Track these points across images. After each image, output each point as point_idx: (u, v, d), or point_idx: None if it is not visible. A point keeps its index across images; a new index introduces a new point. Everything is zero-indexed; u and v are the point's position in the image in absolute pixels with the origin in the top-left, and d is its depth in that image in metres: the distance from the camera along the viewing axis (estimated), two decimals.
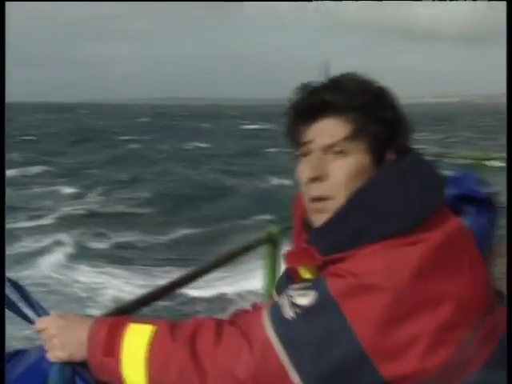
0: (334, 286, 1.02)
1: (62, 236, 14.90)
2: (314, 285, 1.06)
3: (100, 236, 15.30)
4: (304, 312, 1.02)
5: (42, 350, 1.16)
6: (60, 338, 1.13)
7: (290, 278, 1.26)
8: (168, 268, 11.88)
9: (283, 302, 1.06)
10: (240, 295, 9.95)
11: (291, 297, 1.06)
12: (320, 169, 1.14)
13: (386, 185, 1.11)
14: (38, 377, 1.13)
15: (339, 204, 1.12)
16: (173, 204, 19.65)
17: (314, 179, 1.14)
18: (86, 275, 11.87)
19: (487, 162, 6.53)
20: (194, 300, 9.61)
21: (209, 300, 9.78)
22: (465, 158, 6.70)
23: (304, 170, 1.16)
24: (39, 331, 1.16)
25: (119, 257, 13.26)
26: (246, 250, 2.67)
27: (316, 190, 1.14)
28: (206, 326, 1.08)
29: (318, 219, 1.15)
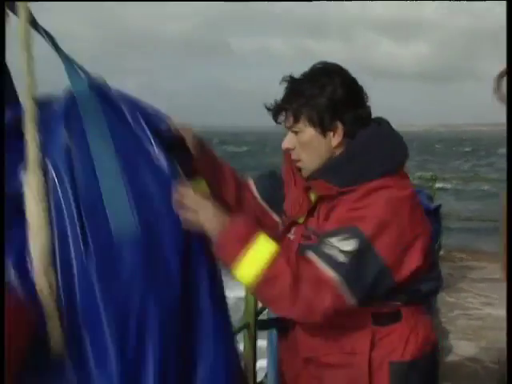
0: (365, 230, 1.29)
1: None
2: (350, 232, 1.30)
3: None
4: (352, 255, 1.29)
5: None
6: (203, 209, 1.20)
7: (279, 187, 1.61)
8: None
9: (331, 251, 1.29)
10: None
11: (337, 246, 1.30)
12: (291, 142, 1.44)
13: (376, 139, 1.41)
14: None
15: (306, 163, 1.44)
16: None
17: (288, 149, 1.46)
18: None
19: (434, 184, 6.75)
20: None
21: None
22: (418, 177, 6.86)
23: (284, 142, 1.46)
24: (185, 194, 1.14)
25: None
26: None
27: (292, 155, 1.46)
28: (308, 265, 1.30)
29: (302, 172, 1.47)
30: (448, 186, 17.95)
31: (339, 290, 1.27)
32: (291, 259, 1.30)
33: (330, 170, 1.40)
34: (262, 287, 1.29)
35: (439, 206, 4.28)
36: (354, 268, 1.28)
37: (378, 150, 1.39)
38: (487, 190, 21.37)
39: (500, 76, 1.10)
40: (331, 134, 1.39)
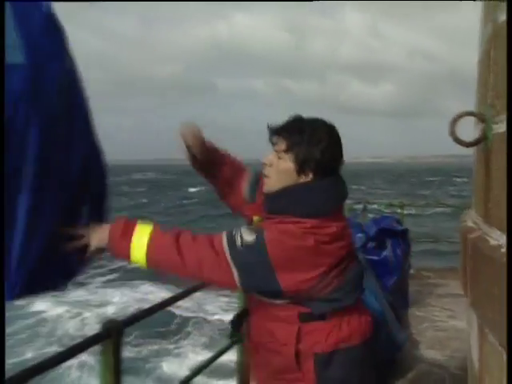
0: (267, 235, 1.46)
1: None
2: (258, 230, 1.49)
3: None
4: (247, 245, 1.47)
5: None
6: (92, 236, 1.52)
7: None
8: None
9: (236, 235, 1.48)
10: None
11: (242, 233, 1.48)
12: (270, 161, 1.58)
13: (308, 189, 1.52)
14: None
15: (271, 182, 1.57)
16: None
17: (265, 164, 1.59)
18: None
19: (400, 210, 6.87)
20: None
21: None
22: (388, 204, 6.97)
23: (265, 158, 1.59)
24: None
25: None
26: (80, 349, 1.60)
27: (265, 170, 1.60)
28: (186, 232, 1.53)
29: (265, 187, 1.60)
30: (414, 211, 18.39)
31: (228, 262, 1.46)
32: (171, 231, 1.52)
33: (268, 199, 1.58)
34: (153, 260, 1.50)
35: (406, 230, 4.37)
36: (244, 252, 1.45)
37: (303, 197, 1.51)
38: (446, 214, 21.78)
39: (453, 121, 1.20)
40: (303, 176, 1.54)
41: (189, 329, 9.27)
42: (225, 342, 2.68)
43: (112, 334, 1.68)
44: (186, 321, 9.60)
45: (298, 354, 1.54)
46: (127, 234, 1.50)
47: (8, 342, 8.85)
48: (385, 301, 3.16)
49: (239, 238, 1.47)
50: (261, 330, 1.63)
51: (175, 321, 9.50)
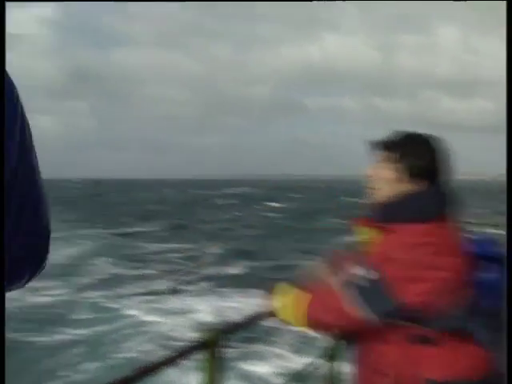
0: (374, 259, 1.47)
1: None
2: (363, 259, 1.50)
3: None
4: (359, 278, 1.46)
5: None
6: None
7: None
8: None
9: (346, 274, 1.50)
10: None
11: (351, 269, 1.50)
12: (373, 172, 1.62)
13: (415, 197, 1.53)
14: None
15: (381, 192, 1.58)
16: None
17: (370, 177, 1.63)
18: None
19: (495, 229, 6.38)
20: None
21: None
22: (484, 224, 6.51)
23: (369, 170, 1.63)
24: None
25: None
26: (178, 357, 1.72)
27: (371, 183, 1.62)
28: (312, 290, 1.62)
29: (371, 198, 1.62)
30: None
31: (349, 303, 1.46)
32: (317, 292, 1.59)
33: (380, 209, 1.58)
34: (304, 322, 1.59)
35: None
36: (359, 285, 1.45)
37: (410, 204, 1.52)
38: None
39: None
40: (407, 184, 1.55)
41: (273, 336, 9.32)
42: (308, 350, 2.64)
43: (213, 342, 1.80)
44: (270, 329, 9.65)
45: (406, 378, 1.46)
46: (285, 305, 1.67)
47: (113, 337, 9.43)
48: (484, 323, 2.95)
49: (350, 275, 1.48)
50: (369, 350, 1.58)
51: (260, 328, 9.57)
